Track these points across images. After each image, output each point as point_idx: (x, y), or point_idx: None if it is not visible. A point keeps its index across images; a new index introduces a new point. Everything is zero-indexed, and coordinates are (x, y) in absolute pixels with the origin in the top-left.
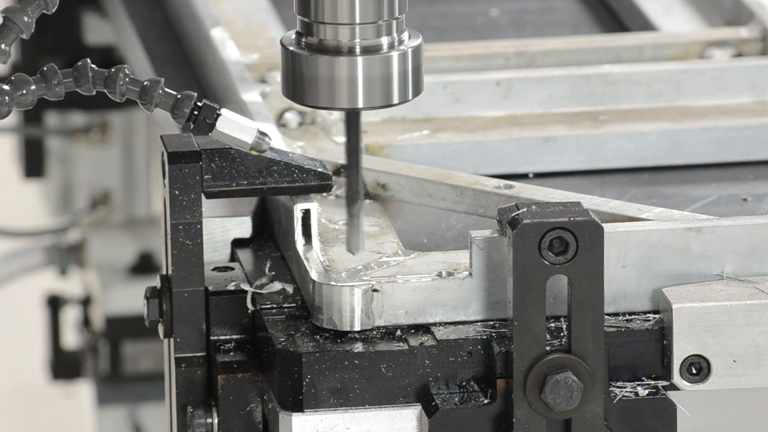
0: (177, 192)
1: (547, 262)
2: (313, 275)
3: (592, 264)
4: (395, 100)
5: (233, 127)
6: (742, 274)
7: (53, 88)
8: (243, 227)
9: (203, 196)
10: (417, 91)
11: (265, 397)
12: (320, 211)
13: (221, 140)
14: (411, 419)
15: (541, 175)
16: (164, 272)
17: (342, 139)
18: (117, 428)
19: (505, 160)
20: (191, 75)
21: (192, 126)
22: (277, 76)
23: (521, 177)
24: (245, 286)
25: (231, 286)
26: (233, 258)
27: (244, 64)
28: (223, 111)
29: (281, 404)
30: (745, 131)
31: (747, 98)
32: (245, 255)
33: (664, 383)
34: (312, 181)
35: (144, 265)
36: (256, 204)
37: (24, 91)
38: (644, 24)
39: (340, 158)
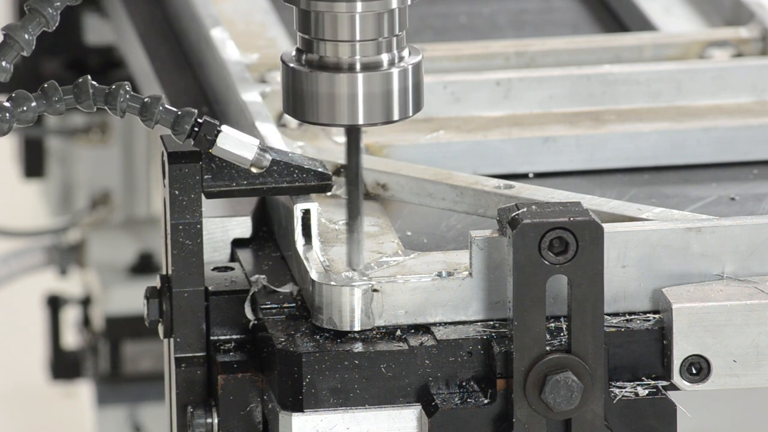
0: (177, 192)
1: (547, 262)
2: (313, 275)
3: (592, 264)
4: (395, 117)
5: (233, 143)
6: (742, 274)
7: (54, 105)
8: (243, 227)
9: (203, 196)
10: (417, 107)
11: (265, 397)
12: (320, 211)
13: (221, 156)
14: (411, 419)
15: (541, 175)
16: (164, 272)
17: (342, 138)
18: (117, 428)
19: (505, 160)
20: (191, 75)
21: (192, 142)
22: (277, 76)
23: (521, 177)
24: (263, 281)
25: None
26: (233, 258)
27: (244, 64)
28: (224, 127)
29: (281, 404)
30: (745, 131)
31: (747, 98)
32: (245, 255)
33: (664, 383)
34: (312, 181)
35: (144, 265)
36: (256, 204)
37: (24, 108)
38: (644, 24)
39: (340, 158)
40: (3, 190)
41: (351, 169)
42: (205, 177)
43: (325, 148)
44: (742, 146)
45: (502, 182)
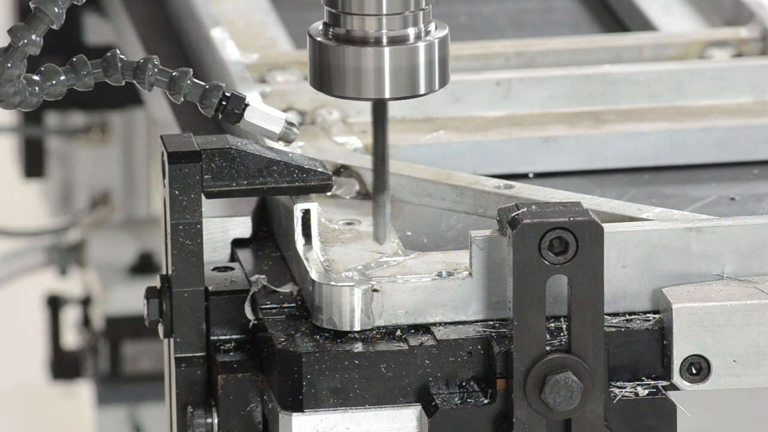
0: (177, 192)
1: (547, 262)
2: (313, 275)
3: (592, 264)
4: (422, 91)
5: (261, 117)
6: (742, 274)
7: (82, 78)
8: (243, 227)
9: (203, 196)
10: (444, 81)
11: (265, 397)
12: (320, 211)
13: (249, 130)
14: (411, 419)
15: (541, 175)
16: (164, 272)
17: (342, 138)
18: (117, 428)
19: (505, 160)
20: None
21: (220, 116)
22: (277, 76)
23: (521, 177)
24: (263, 282)
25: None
26: (233, 258)
27: (244, 64)
28: (251, 101)
29: (281, 404)
30: (745, 131)
31: (747, 98)
32: (245, 255)
33: (664, 383)
34: (312, 181)
35: (144, 265)
36: (256, 204)
37: (54, 82)
38: (644, 24)
39: (340, 158)
40: (3, 190)
41: (377, 143)
42: (205, 177)
43: (325, 148)
44: (742, 146)
45: (502, 182)
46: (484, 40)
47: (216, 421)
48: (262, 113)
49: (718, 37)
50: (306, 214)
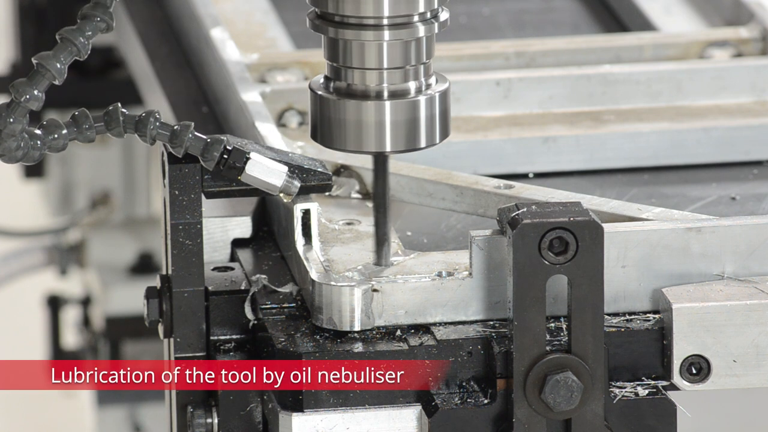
0: (177, 192)
1: (547, 262)
2: (313, 275)
3: (592, 264)
4: (422, 144)
5: (262, 170)
6: (742, 274)
7: (84, 132)
8: (243, 227)
9: (203, 196)
10: (444, 134)
11: (265, 397)
12: (320, 211)
13: (250, 183)
14: (411, 419)
15: (541, 175)
16: (164, 272)
17: None
18: (117, 428)
19: (505, 160)
20: (191, 75)
21: (221, 169)
22: (277, 76)
23: (521, 177)
24: (264, 281)
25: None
26: (233, 258)
27: (244, 64)
28: (252, 155)
29: (281, 404)
30: (745, 131)
31: (747, 98)
32: (245, 255)
33: (664, 383)
34: (312, 181)
35: (144, 265)
36: (256, 204)
37: (56, 135)
38: (644, 24)
39: (340, 158)
40: (3, 190)
41: (378, 196)
42: (205, 177)
43: (325, 148)
44: (742, 146)
45: (502, 182)
46: (484, 40)
47: (216, 421)
48: (263, 166)
49: (718, 37)
50: (306, 214)
